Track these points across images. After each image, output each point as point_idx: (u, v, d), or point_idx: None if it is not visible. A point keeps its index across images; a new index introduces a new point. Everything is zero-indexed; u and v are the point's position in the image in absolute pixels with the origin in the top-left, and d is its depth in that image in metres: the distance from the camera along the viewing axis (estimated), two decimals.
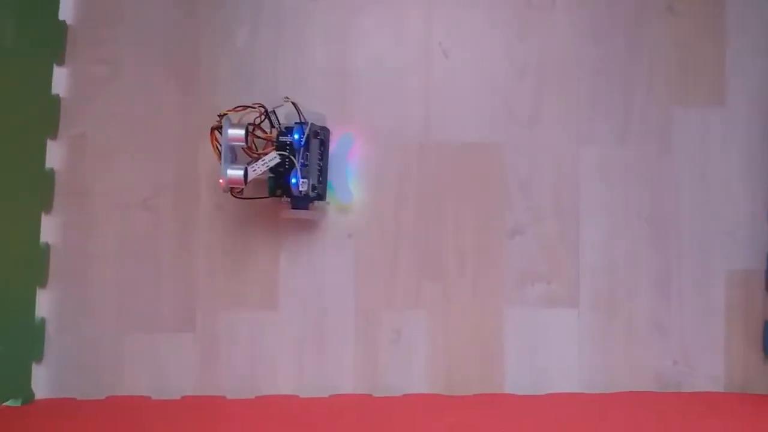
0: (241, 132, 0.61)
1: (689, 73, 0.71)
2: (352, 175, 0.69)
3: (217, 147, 0.62)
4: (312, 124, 0.63)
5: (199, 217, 0.69)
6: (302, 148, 0.62)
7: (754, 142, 0.71)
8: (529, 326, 0.70)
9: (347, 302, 0.69)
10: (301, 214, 0.65)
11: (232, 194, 0.62)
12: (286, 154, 0.62)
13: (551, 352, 0.70)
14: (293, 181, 0.62)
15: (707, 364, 0.70)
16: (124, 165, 0.69)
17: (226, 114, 0.61)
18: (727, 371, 0.70)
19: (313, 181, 0.64)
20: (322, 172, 0.65)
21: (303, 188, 0.63)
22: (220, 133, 0.61)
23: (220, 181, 0.61)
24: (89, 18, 0.69)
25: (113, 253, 0.68)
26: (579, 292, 0.70)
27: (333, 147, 0.67)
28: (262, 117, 0.63)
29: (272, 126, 0.63)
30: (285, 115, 0.65)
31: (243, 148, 0.62)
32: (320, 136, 0.65)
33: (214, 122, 0.62)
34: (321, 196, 0.65)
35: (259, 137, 0.63)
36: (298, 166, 0.62)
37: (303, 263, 0.69)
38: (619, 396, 0.69)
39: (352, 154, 0.68)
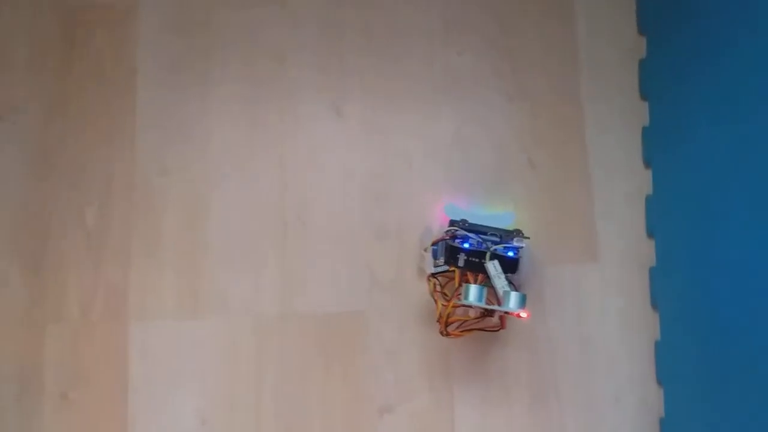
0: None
1: (557, 229, 0.68)
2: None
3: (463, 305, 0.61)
4: (463, 220, 0.64)
5: (44, 409, 0.64)
6: (477, 235, 0.63)
7: (633, 298, 0.66)
8: None
9: None
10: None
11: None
12: (483, 251, 0.62)
13: None
14: (510, 254, 0.62)
15: None
16: None
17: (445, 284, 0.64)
18: None
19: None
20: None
21: (520, 244, 0.63)
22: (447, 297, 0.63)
23: (523, 315, 0.60)
24: None
25: None
26: None
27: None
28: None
29: (445, 260, 0.63)
30: None
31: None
32: (466, 220, 0.65)
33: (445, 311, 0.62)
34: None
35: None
36: (494, 246, 0.63)
37: None
38: None
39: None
